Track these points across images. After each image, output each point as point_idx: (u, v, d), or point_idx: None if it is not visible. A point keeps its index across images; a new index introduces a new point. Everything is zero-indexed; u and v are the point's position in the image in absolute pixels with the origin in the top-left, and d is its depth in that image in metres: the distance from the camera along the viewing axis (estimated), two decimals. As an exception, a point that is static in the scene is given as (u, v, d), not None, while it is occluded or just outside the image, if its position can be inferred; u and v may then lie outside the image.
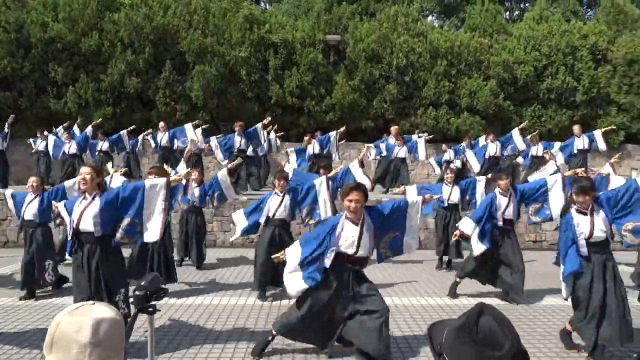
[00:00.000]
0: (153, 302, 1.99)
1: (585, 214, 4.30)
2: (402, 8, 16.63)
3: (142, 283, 1.98)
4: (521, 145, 12.15)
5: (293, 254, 4.05)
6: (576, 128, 11.85)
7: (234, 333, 4.95)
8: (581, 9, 22.77)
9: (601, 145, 11.69)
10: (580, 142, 11.42)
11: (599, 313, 4.13)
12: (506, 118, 15.49)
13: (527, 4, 23.41)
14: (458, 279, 6.37)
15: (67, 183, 6.35)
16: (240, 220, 6.28)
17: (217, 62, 14.65)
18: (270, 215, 6.15)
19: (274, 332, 4.23)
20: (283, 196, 6.19)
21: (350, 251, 3.95)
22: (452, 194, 7.73)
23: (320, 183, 6.50)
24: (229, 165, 8.26)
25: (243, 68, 14.82)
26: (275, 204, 6.16)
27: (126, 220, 4.08)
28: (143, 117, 15.05)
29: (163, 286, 2.05)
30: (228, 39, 15.15)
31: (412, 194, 6.84)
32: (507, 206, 6.02)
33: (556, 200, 6.01)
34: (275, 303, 6.01)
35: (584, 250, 4.25)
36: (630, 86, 15.57)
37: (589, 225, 4.24)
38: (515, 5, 24.46)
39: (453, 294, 6.35)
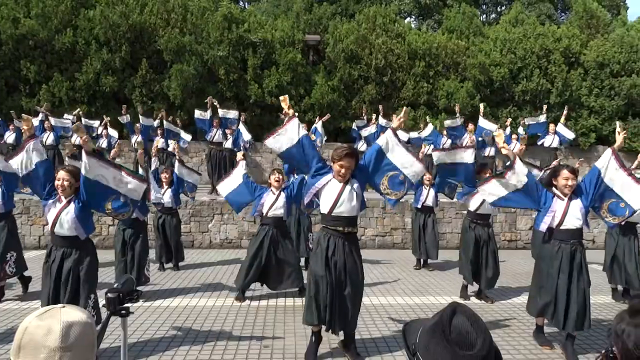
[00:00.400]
0: (126, 305, 1.96)
1: (562, 199, 4.35)
2: (381, 9, 16.75)
3: (115, 285, 1.94)
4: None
5: None
6: (552, 127, 12.09)
7: (211, 335, 4.91)
8: (555, 13, 23.34)
9: (568, 134, 11.90)
10: (549, 140, 11.63)
11: (557, 299, 4.29)
12: (482, 119, 15.72)
13: (503, 7, 23.85)
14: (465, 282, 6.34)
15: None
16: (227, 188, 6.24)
17: (195, 61, 14.51)
18: (265, 212, 5.99)
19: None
20: (278, 194, 5.99)
21: (327, 208, 4.07)
22: (428, 196, 7.77)
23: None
24: None
25: (222, 67, 14.71)
26: (270, 201, 5.97)
27: (108, 204, 4.05)
28: (119, 116, 14.79)
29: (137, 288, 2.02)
30: (206, 37, 15.02)
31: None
32: (482, 202, 5.91)
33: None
34: (254, 304, 5.97)
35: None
36: (601, 89, 15.99)
37: (562, 212, 4.30)
38: (492, 8, 24.91)
39: (465, 295, 6.33)
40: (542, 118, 12.74)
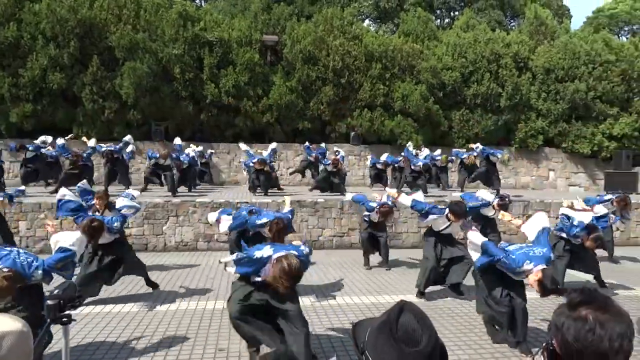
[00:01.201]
0: (67, 312, 1.86)
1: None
2: (337, 11, 16.87)
3: (55, 291, 1.85)
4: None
5: None
6: (472, 146, 12.36)
7: (165, 340, 4.78)
8: (505, 20, 24.27)
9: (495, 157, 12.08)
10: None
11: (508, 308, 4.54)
12: (435, 122, 16.14)
13: (456, 13, 24.57)
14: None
15: None
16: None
17: (149, 59, 14.12)
18: None
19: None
20: None
21: None
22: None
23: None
24: None
25: (177, 66, 14.39)
26: None
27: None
28: (67, 115, 14.21)
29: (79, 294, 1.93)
30: (161, 35, 14.65)
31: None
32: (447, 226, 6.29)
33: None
34: (209, 307, 5.87)
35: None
36: (548, 93, 16.75)
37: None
38: (446, 13, 25.61)
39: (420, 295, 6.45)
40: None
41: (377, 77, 15.78)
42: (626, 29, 27.37)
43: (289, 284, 3.57)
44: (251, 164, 11.34)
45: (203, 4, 22.62)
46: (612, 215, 7.30)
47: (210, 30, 15.20)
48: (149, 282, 6.47)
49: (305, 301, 6.06)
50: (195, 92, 14.91)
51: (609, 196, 8.34)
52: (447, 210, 6.07)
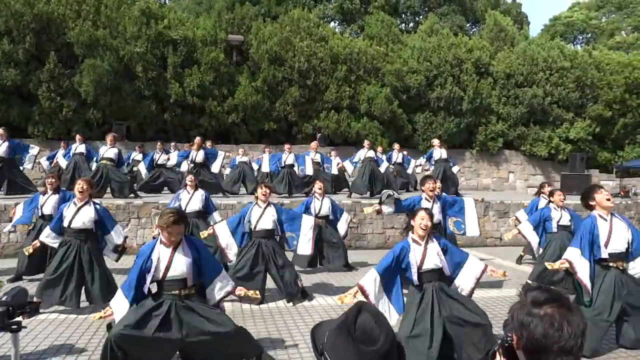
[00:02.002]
0: (17, 319, 1.78)
1: (419, 244, 4.24)
2: (304, 13, 16.90)
3: (4, 297, 1.76)
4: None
5: None
6: (435, 141, 12.42)
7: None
8: (466, 25, 24.88)
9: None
10: (437, 153, 12.02)
11: (423, 335, 3.96)
12: (400, 124, 16.39)
13: (420, 17, 25.01)
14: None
15: None
16: (229, 244, 5.99)
17: (110, 57, 13.74)
18: (253, 227, 6.01)
19: None
20: (265, 207, 6.07)
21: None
22: (322, 206, 7.73)
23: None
24: None
25: (139, 64, 14.07)
26: (257, 215, 6.02)
27: None
28: (22, 113, 13.65)
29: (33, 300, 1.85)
30: (122, 32, 14.29)
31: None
32: (431, 210, 6.27)
33: (471, 219, 6.67)
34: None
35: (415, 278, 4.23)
36: (507, 97, 17.30)
37: (421, 255, 4.20)
38: (410, 17, 26.02)
39: None
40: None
41: (342, 79, 15.90)
42: (581, 37, 28.59)
43: None
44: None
45: (167, 2, 22.19)
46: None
47: (175, 28, 14.94)
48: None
49: (270, 304, 6.03)
50: (158, 91, 14.61)
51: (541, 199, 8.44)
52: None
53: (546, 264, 5.18)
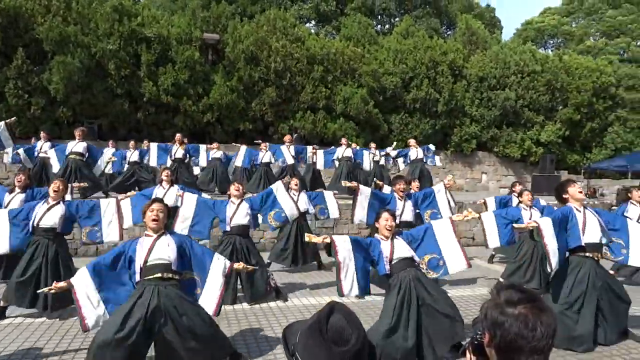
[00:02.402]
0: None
1: (385, 240, 4.34)
2: (281, 13, 16.85)
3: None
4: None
5: None
6: (412, 141, 12.54)
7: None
8: (441, 28, 25.25)
9: (436, 161, 12.43)
10: (414, 153, 12.13)
11: (395, 328, 4.00)
12: (376, 125, 16.50)
13: (396, 19, 25.26)
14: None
15: None
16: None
17: (80, 54, 13.40)
18: (228, 223, 6.07)
19: None
20: (239, 203, 6.13)
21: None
22: (299, 201, 7.78)
23: (277, 187, 6.45)
24: None
25: (111, 62, 13.76)
26: (231, 212, 6.07)
27: None
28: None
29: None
30: (94, 29, 13.96)
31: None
32: (403, 209, 6.43)
33: (444, 205, 6.79)
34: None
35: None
36: (481, 100, 17.61)
37: (390, 248, 4.30)
38: (386, 19, 26.25)
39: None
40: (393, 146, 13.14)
41: (319, 80, 15.90)
42: (551, 42, 29.34)
43: None
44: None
45: (141, -1, 21.78)
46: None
47: (148, 26, 14.68)
48: None
49: (244, 305, 5.98)
50: (131, 90, 14.33)
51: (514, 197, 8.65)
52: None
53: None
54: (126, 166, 11.00)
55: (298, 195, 7.73)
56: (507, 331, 1.32)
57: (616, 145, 18.71)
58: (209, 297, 4.04)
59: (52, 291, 3.71)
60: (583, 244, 4.66)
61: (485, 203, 8.39)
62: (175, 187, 7.36)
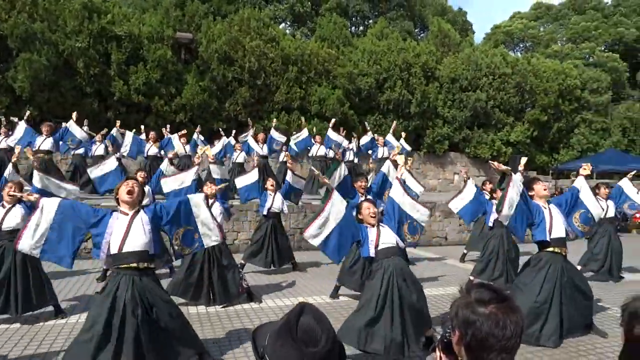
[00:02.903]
0: None
1: (372, 227, 4.49)
2: (255, 12, 16.75)
3: None
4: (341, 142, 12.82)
5: None
6: (380, 139, 12.73)
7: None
8: (414, 31, 25.57)
9: (394, 142, 12.40)
10: (381, 152, 12.30)
11: (379, 317, 4.10)
12: (351, 126, 16.56)
13: (370, 21, 25.44)
14: (338, 284, 6.46)
15: None
16: None
17: (47, 51, 13.03)
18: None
19: None
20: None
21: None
22: (274, 202, 7.78)
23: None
24: None
25: (80, 60, 13.42)
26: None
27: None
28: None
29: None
30: (62, 26, 13.58)
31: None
32: None
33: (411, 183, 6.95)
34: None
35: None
36: (453, 101, 17.90)
37: (376, 235, 4.46)
38: (360, 21, 26.42)
39: (334, 295, 6.46)
40: (369, 135, 13.30)
41: (293, 80, 15.88)
42: (520, 45, 30.06)
43: None
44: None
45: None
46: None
47: (119, 24, 14.37)
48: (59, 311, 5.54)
49: (217, 308, 5.91)
50: (101, 89, 14.01)
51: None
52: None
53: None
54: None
55: (274, 196, 7.75)
56: (479, 330, 1.34)
57: (582, 146, 19.29)
58: (208, 232, 4.15)
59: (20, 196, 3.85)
60: (549, 239, 4.86)
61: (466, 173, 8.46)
62: (147, 187, 7.24)
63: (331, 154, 12.43)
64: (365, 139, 12.93)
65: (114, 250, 3.70)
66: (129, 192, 3.83)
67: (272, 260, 7.75)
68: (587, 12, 29.43)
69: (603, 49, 26.74)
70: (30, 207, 5.40)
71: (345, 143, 12.62)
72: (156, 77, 14.26)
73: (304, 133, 12.47)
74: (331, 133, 12.53)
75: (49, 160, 9.52)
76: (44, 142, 9.53)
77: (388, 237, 4.44)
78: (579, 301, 4.91)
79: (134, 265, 3.72)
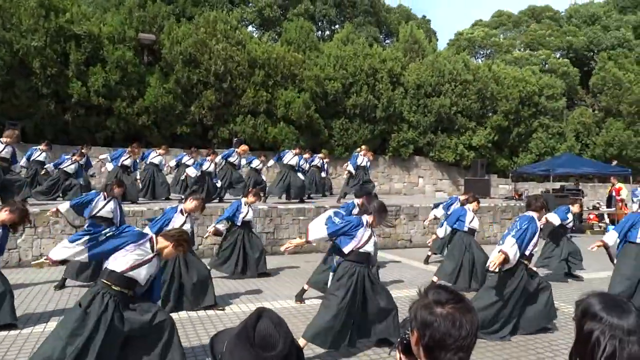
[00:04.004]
0: None
1: (369, 228, 4.60)
2: (222, 15, 16.58)
3: None
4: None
5: None
6: (363, 147, 12.78)
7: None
8: (380, 37, 25.92)
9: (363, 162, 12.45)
10: (360, 159, 12.34)
11: (346, 316, 4.33)
12: (316, 129, 16.62)
13: (336, 26, 25.63)
14: (306, 287, 6.45)
15: None
16: None
17: (1, 50, 12.51)
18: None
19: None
20: (187, 217, 5.92)
21: None
22: (248, 212, 7.74)
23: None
24: None
25: (36, 59, 12.93)
26: (179, 223, 5.69)
27: None
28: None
29: None
30: (17, 24, 13.06)
31: None
32: None
33: None
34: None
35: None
36: (417, 107, 18.22)
37: (367, 237, 4.55)
38: (327, 26, 26.58)
39: (299, 298, 6.43)
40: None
41: (260, 84, 15.79)
42: (482, 52, 30.90)
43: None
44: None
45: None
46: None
47: (78, 23, 13.93)
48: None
49: (180, 314, 5.78)
50: (59, 90, 13.54)
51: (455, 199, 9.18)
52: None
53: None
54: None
55: (248, 207, 7.71)
56: (436, 330, 1.36)
57: (540, 150, 19.97)
58: None
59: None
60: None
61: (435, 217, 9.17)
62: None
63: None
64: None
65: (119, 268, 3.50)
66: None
67: (240, 270, 7.67)
68: (542, 21, 30.59)
69: (558, 56, 27.85)
70: None
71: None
72: (117, 78, 13.91)
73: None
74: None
75: (5, 168, 9.07)
76: (4, 151, 9.08)
77: (371, 244, 4.55)
78: (531, 302, 5.23)
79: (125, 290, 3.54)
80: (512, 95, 19.22)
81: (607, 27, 28.41)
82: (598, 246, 5.98)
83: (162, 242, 3.60)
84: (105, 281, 3.44)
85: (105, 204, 6.88)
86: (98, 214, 6.80)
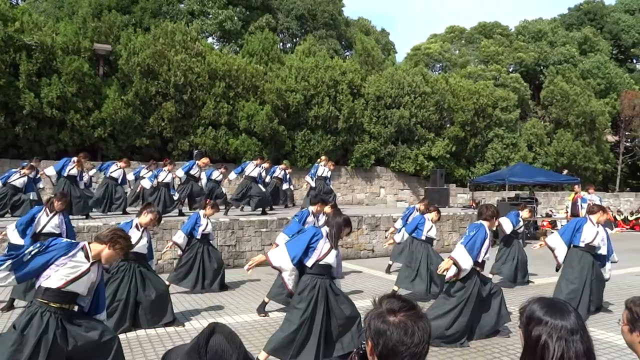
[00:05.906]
0: None
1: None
2: (181, 26, 16.39)
3: None
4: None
5: None
6: (323, 158, 12.95)
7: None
8: (341, 49, 26.27)
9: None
10: (321, 170, 12.48)
11: (308, 329, 4.28)
12: (280, 141, 16.61)
13: (298, 39, 25.80)
14: (267, 299, 6.40)
15: None
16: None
17: (-55, 60, 11.91)
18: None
19: None
20: (142, 232, 5.67)
21: None
22: (207, 225, 7.69)
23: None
24: None
25: (-16, 70, 12.38)
26: (135, 238, 5.44)
27: None
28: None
29: None
30: (-38, 33, 12.49)
31: None
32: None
33: None
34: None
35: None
36: (378, 118, 18.52)
37: (327, 250, 4.53)
38: (289, 38, 26.72)
39: (261, 310, 6.37)
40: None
41: (221, 96, 15.67)
42: (438, 66, 31.81)
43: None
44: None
45: (20, 3, 19.96)
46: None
47: (29, 32, 13.46)
48: None
49: (138, 332, 5.61)
50: (8, 102, 12.99)
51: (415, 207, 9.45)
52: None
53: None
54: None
55: (208, 219, 7.63)
56: (389, 339, 1.38)
57: (495, 160, 20.68)
58: None
59: None
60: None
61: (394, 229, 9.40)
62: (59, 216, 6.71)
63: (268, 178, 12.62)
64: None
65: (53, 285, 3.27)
66: None
67: (201, 285, 7.55)
68: (494, 37, 31.85)
69: (511, 70, 29.08)
70: None
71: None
72: (72, 90, 13.48)
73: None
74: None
75: None
76: None
77: (331, 257, 4.52)
78: (485, 309, 5.41)
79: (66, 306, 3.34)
80: (468, 107, 19.86)
81: (554, 43, 29.92)
82: (541, 245, 6.43)
83: (95, 248, 3.36)
84: (41, 300, 3.23)
85: (50, 219, 6.39)
86: (43, 231, 6.28)
